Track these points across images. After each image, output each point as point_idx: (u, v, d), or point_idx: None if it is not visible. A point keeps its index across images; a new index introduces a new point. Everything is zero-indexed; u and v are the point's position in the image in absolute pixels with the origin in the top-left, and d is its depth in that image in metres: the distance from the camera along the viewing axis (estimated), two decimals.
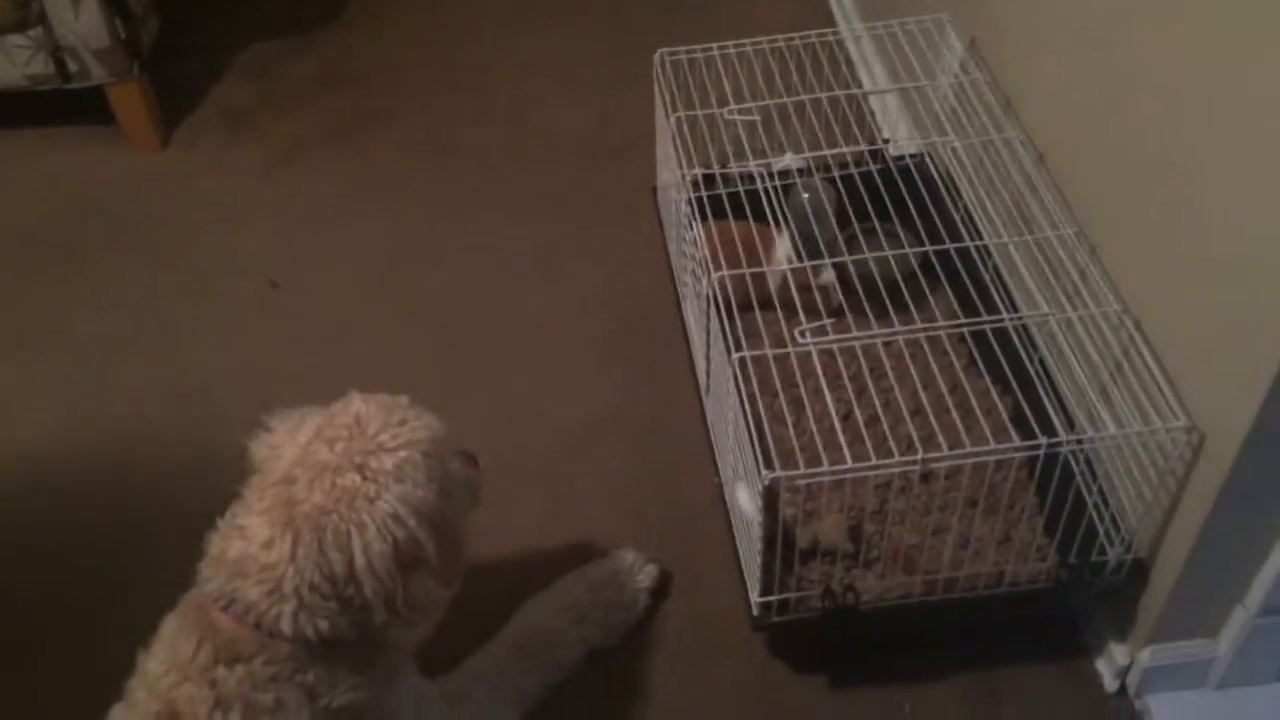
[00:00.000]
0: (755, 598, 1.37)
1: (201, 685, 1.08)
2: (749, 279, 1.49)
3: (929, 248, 1.52)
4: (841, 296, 1.52)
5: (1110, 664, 1.45)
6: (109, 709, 1.16)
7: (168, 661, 1.11)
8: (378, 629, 1.14)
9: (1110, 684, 1.46)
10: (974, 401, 1.52)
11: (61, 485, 1.75)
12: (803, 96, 1.67)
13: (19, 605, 1.61)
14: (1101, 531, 1.37)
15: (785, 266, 1.58)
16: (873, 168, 1.70)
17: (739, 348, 1.37)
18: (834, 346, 1.42)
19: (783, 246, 1.70)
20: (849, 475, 1.27)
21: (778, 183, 1.58)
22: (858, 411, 1.54)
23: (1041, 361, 1.50)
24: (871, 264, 1.49)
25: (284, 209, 2.18)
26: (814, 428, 1.52)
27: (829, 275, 1.62)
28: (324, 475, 1.10)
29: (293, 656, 1.11)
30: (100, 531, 1.68)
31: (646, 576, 1.53)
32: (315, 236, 2.13)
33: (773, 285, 1.58)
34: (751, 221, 1.63)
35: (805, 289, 1.55)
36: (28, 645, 1.56)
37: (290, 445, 1.14)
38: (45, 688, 1.52)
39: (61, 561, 1.66)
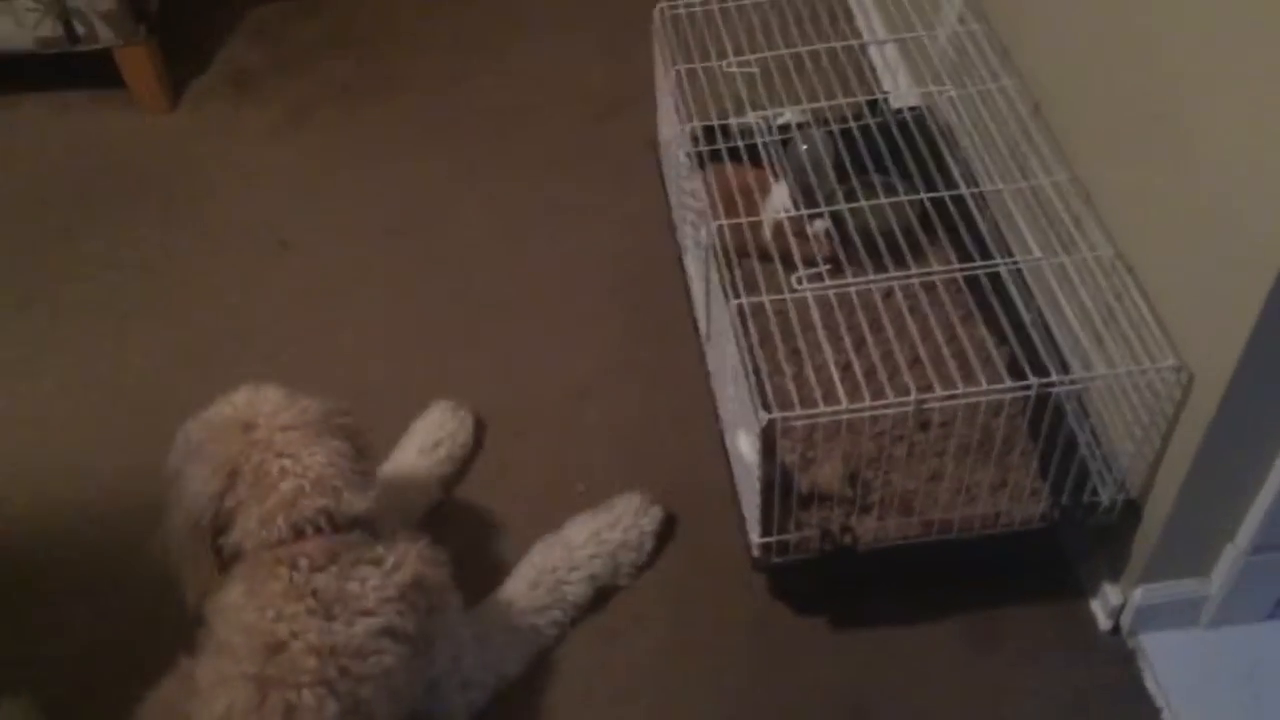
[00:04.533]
0: (755, 539, 1.40)
1: (305, 599, 1.21)
2: (746, 228, 1.51)
3: (924, 195, 1.54)
4: (839, 245, 1.54)
5: (1104, 604, 1.49)
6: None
7: (256, 606, 1.22)
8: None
9: (1104, 623, 1.49)
10: (970, 352, 1.54)
11: (72, 444, 1.78)
12: (801, 48, 1.68)
13: (30, 562, 1.64)
14: (1094, 472, 1.40)
15: (781, 214, 1.60)
16: (871, 121, 1.71)
17: (738, 295, 1.39)
18: (832, 296, 1.44)
19: (779, 193, 1.72)
20: (845, 417, 1.29)
21: (777, 136, 1.60)
22: (856, 363, 1.56)
23: (1038, 310, 1.52)
24: (869, 216, 1.51)
25: (293, 170, 2.21)
26: (813, 379, 1.54)
27: (822, 224, 1.64)
28: (279, 424, 1.30)
29: (363, 540, 1.28)
30: (111, 492, 1.71)
31: (651, 519, 1.57)
32: (324, 197, 2.15)
33: (767, 231, 1.60)
34: (749, 166, 1.65)
35: (801, 237, 1.57)
36: (35, 605, 1.60)
37: (220, 450, 1.30)
38: (53, 646, 1.55)
39: (73, 524, 1.68)
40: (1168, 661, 1.45)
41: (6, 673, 1.50)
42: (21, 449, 1.78)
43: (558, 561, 1.51)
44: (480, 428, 1.74)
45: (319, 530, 1.26)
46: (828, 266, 1.37)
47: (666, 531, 1.60)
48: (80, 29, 2.15)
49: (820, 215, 1.51)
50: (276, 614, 1.21)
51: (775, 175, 1.59)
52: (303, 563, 1.23)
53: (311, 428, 1.30)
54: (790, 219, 1.57)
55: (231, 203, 2.15)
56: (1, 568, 1.63)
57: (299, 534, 1.25)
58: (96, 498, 1.71)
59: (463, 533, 1.62)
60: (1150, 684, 1.45)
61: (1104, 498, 1.39)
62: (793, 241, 1.50)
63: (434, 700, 1.37)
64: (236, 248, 2.06)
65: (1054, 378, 1.32)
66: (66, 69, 2.27)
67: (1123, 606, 1.47)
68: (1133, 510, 1.39)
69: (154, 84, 2.27)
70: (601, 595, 1.54)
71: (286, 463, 1.26)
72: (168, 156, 2.25)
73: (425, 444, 1.67)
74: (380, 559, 1.27)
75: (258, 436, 1.28)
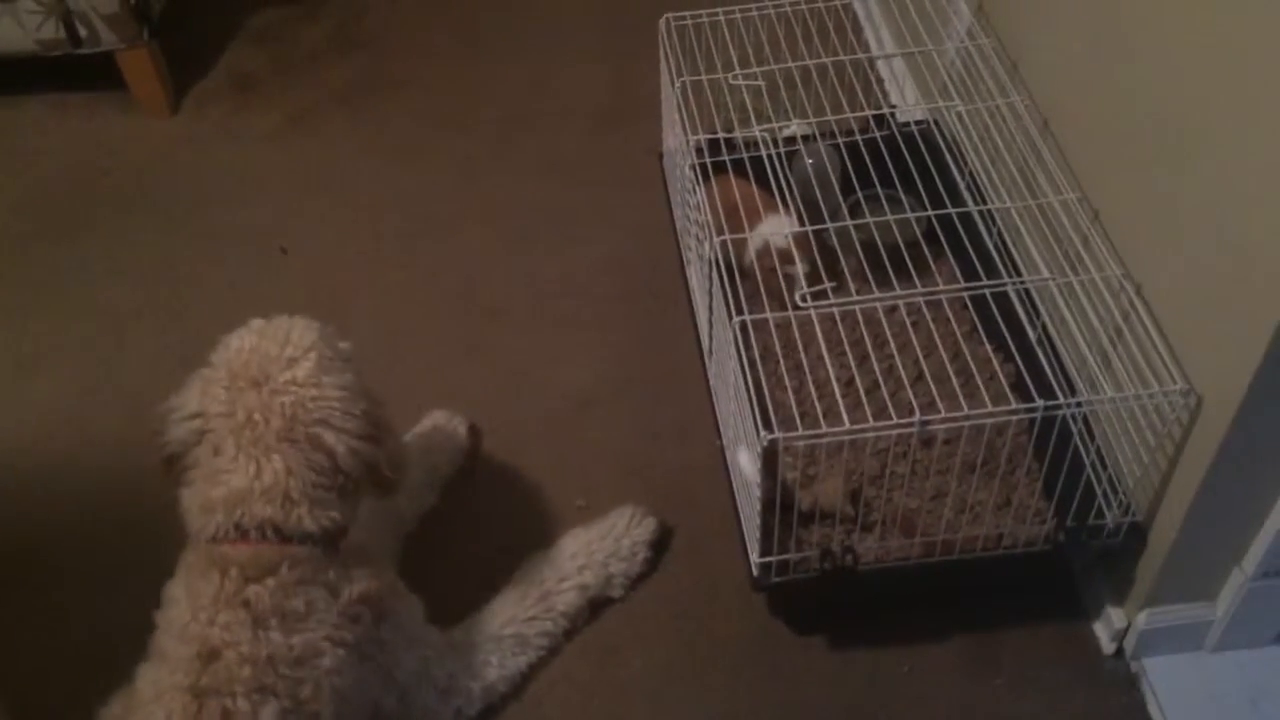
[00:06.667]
0: (755, 558, 1.39)
1: (236, 609, 1.17)
2: (750, 243, 1.50)
3: (930, 212, 1.52)
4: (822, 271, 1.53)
5: (1107, 627, 1.47)
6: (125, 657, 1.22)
7: (190, 607, 1.19)
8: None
9: (1107, 646, 1.47)
10: (975, 369, 1.53)
11: (71, 450, 1.77)
12: (808, 61, 1.66)
13: (37, 562, 1.64)
14: (1099, 495, 1.38)
15: (766, 242, 1.59)
16: (878, 134, 1.70)
17: (740, 311, 1.38)
18: (836, 313, 1.43)
19: (773, 223, 1.69)
20: (847, 438, 1.28)
21: (782, 149, 1.58)
22: (859, 379, 1.55)
23: (1044, 328, 1.50)
24: (874, 230, 1.50)
25: (294, 175, 2.19)
26: (815, 394, 1.53)
27: (799, 269, 1.62)
28: (267, 402, 1.22)
29: (312, 557, 1.22)
30: (108, 497, 1.70)
31: (645, 529, 1.56)
32: (324, 202, 2.14)
33: (751, 254, 1.58)
34: (754, 183, 1.63)
35: (786, 264, 1.55)
36: (43, 601, 1.59)
37: (210, 394, 1.24)
38: (59, 632, 1.55)
39: (69, 526, 1.67)
40: (1171, 686, 1.44)
41: None
42: (17, 451, 1.77)
43: (546, 572, 1.50)
44: (478, 436, 1.73)
45: (264, 538, 1.20)
46: (833, 285, 1.35)
47: (667, 547, 1.59)
48: (83, 31, 2.14)
49: (795, 261, 1.50)
50: (210, 619, 1.18)
51: (782, 198, 1.56)
52: (234, 571, 1.18)
53: (296, 423, 1.21)
54: (777, 249, 1.56)
55: (231, 207, 2.13)
56: None
57: (244, 535, 1.20)
58: (93, 500, 1.69)
59: (460, 547, 1.61)
60: (1153, 709, 1.43)
61: (1109, 520, 1.38)
62: (779, 272, 1.49)
63: (410, 707, 1.36)
64: (236, 253, 2.05)
65: (1060, 400, 1.30)
66: (68, 71, 2.26)
67: (1126, 630, 1.45)
68: (1138, 534, 1.37)
69: (156, 87, 2.26)
70: (599, 610, 1.53)
71: (243, 458, 1.20)
72: (168, 160, 2.23)
73: (415, 450, 1.66)
74: (333, 584, 1.23)
75: (242, 399, 1.22)
